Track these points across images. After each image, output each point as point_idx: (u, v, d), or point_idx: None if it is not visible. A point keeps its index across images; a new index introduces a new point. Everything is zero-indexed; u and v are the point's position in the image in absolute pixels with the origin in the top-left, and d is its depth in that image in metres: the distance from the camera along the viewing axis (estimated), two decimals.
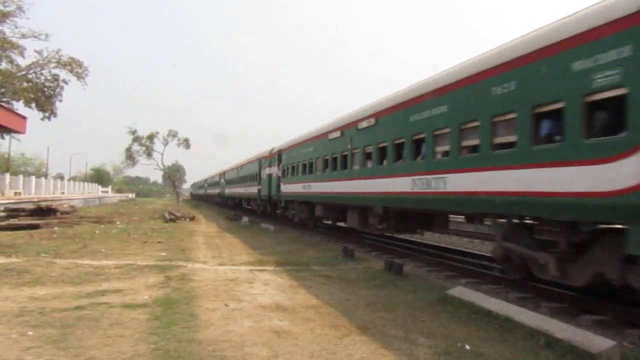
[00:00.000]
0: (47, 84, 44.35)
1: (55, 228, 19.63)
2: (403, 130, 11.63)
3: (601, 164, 6.19)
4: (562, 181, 6.78)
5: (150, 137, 63.69)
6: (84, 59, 47.73)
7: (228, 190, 45.95)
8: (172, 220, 26.64)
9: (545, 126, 7.35)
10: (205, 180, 74.80)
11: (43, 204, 25.60)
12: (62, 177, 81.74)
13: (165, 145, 64.39)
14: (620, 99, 6.00)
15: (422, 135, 10.73)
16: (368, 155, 13.79)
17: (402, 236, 15.95)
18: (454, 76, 9.81)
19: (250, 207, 36.86)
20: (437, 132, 10.19)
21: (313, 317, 6.61)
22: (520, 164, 7.66)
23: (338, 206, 17.11)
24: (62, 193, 53.25)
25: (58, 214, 24.40)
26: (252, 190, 32.04)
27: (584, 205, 6.50)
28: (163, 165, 67.79)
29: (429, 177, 10.35)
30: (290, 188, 22.35)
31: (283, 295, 8.01)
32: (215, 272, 10.10)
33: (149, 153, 64.74)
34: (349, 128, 15.31)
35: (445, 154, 9.90)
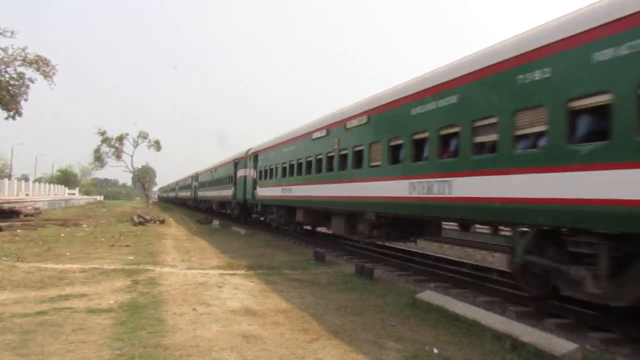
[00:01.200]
0: (12, 82, 42.99)
1: (18, 231, 19.06)
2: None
3: None
4: None
5: (120, 139, 62.35)
6: (53, 58, 46.39)
7: (201, 194, 45.54)
8: (141, 223, 26.15)
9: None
10: (177, 183, 75.61)
11: (5, 206, 24.86)
12: (26, 179, 79.32)
13: (135, 147, 63.20)
14: None
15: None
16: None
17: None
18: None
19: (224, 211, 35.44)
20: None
21: (283, 321, 6.57)
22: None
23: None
24: (27, 195, 51.64)
25: (21, 216, 23.74)
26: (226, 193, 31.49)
27: None
28: (133, 167, 66.53)
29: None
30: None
31: (253, 299, 7.94)
32: (185, 276, 9.94)
33: (118, 155, 63.37)
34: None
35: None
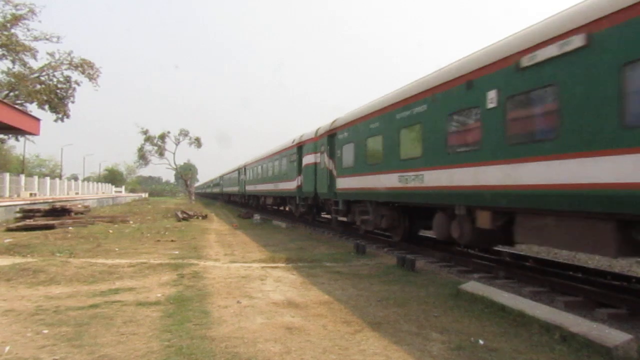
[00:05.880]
0: (59, 85, 44.80)
1: (70, 228, 19.84)
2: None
3: None
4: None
5: (162, 137, 64.00)
6: (94, 60, 47.99)
7: (225, 189, 61.21)
8: (184, 219, 26.79)
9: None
10: (212, 181, 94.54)
11: (58, 205, 25.90)
12: (76, 178, 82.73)
13: (176, 145, 64.77)
14: None
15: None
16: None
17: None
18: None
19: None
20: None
21: (325, 313, 6.61)
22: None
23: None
24: (77, 193, 53.88)
25: (72, 214, 24.66)
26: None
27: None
28: (175, 165, 68.20)
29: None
30: None
31: (295, 291, 8.01)
32: (228, 269, 10.14)
33: (161, 152, 65.09)
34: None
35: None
